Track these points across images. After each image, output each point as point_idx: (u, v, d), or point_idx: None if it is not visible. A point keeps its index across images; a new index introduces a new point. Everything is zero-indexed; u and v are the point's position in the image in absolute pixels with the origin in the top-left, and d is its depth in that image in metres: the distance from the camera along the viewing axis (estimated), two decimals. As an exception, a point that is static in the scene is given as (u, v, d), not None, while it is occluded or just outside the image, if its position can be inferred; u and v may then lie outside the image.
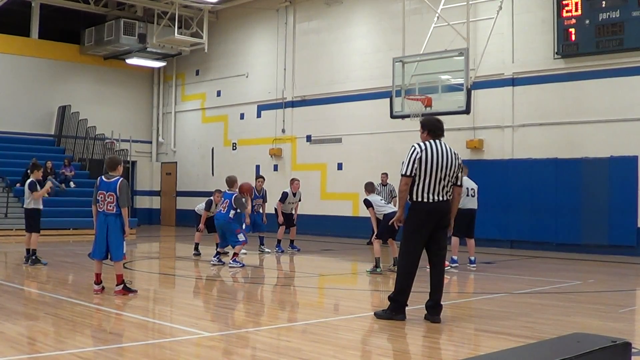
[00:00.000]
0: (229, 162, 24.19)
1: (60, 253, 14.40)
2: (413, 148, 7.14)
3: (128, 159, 24.86)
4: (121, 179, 8.79)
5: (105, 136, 24.79)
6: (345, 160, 20.93)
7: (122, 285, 8.72)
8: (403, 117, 15.39)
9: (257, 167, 22.93)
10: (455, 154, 7.24)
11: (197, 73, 26.14)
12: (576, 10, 15.94)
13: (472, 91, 14.71)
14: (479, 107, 17.34)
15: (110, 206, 8.67)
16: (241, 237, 12.40)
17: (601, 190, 15.73)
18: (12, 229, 18.93)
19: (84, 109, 24.86)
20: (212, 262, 12.53)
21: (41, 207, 12.36)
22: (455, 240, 12.30)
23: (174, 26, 22.83)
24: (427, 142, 7.20)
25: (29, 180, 12.28)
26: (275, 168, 22.83)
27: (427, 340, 6.55)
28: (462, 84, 14.35)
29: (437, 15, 15.80)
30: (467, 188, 12.37)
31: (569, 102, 16.50)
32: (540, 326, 7.02)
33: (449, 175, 7.14)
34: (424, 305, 7.23)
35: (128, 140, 25.30)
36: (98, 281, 8.84)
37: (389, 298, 7.28)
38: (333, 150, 21.22)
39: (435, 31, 15.74)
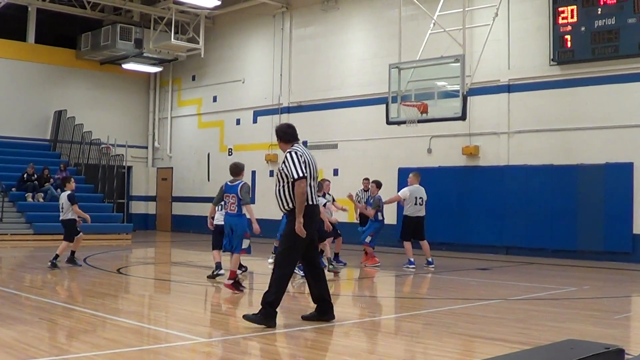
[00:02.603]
0: (225, 168, 23.62)
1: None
2: (295, 151, 7.07)
3: (124, 164, 24.84)
4: (244, 182, 9.89)
5: (101, 141, 24.76)
6: (341, 167, 20.92)
7: (232, 281, 9.50)
8: (399, 123, 15.39)
9: (253, 172, 22.91)
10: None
11: (194, 78, 26.15)
12: (572, 17, 15.98)
13: (468, 97, 14.73)
14: (475, 113, 17.36)
15: (232, 207, 9.75)
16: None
17: (597, 197, 15.75)
18: (7, 234, 18.87)
19: (80, 113, 24.81)
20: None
21: (76, 217, 12.72)
22: (407, 244, 13.24)
23: (171, 31, 22.84)
24: (299, 147, 7.18)
25: (67, 193, 12.78)
26: (271, 174, 22.80)
27: (421, 346, 6.55)
28: (458, 91, 14.36)
29: (433, 21, 15.83)
30: (416, 197, 12.86)
31: (564, 109, 16.54)
32: (535, 332, 7.03)
33: (317, 177, 7.29)
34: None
35: (124, 146, 25.26)
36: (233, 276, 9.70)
37: (264, 303, 7.01)
38: (329, 156, 21.19)
39: (432, 37, 15.77)
